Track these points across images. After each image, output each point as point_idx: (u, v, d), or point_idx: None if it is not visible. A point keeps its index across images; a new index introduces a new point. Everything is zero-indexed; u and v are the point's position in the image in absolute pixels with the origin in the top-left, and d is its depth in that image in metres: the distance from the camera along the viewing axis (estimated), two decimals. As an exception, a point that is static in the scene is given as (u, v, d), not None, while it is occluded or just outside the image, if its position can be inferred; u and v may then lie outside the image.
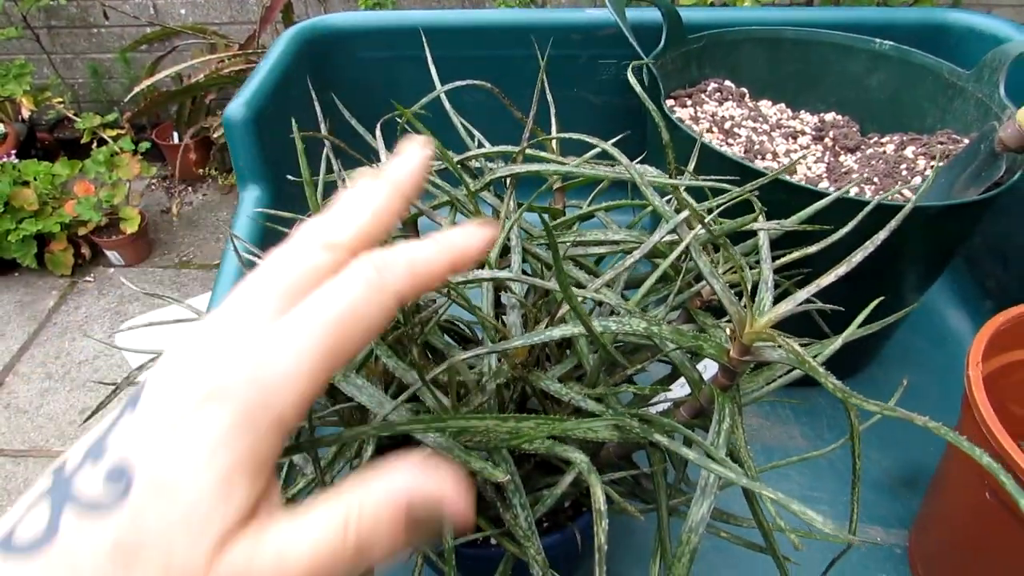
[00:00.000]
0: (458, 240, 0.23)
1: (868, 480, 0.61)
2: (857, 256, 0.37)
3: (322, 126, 0.49)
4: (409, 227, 0.52)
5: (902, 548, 0.56)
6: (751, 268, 0.45)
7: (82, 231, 2.18)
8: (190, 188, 2.64)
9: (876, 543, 0.57)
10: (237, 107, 0.66)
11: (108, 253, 2.29)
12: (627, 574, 0.55)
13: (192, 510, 0.19)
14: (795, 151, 0.73)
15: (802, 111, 0.79)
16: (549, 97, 0.56)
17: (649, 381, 0.46)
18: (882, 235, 0.38)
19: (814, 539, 0.45)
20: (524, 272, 0.43)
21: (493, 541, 0.44)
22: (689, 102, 0.75)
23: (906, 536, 0.57)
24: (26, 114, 2.26)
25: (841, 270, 0.37)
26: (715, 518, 0.46)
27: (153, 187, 2.66)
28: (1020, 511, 0.37)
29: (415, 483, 0.20)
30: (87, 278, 2.28)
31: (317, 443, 0.32)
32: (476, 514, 0.38)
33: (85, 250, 2.25)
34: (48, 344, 2.08)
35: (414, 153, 0.24)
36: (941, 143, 0.67)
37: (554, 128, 0.54)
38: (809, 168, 0.71)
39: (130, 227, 2.20)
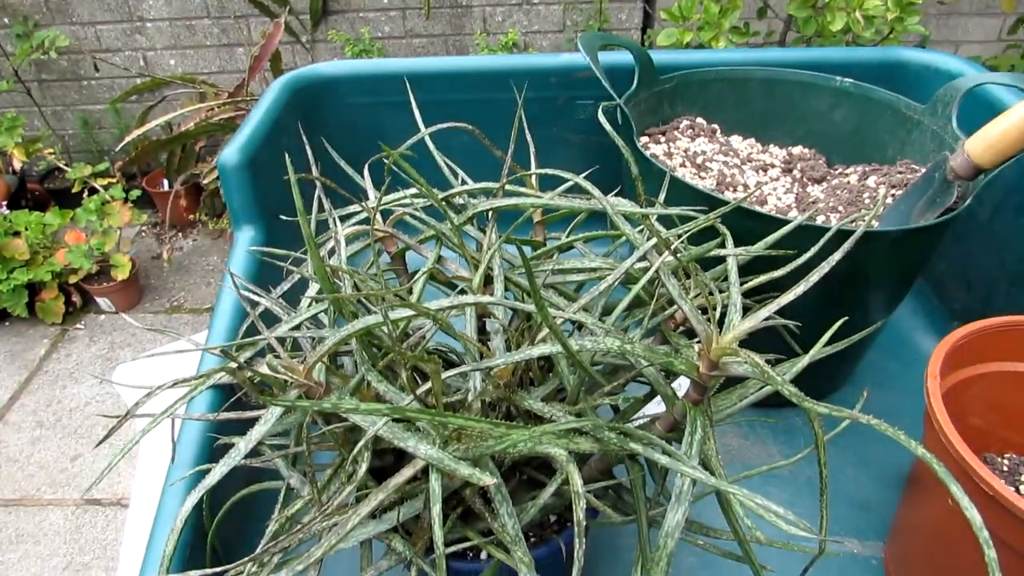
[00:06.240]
0: None
1: (845, 495, 0.63)
2: (813, 276, 0.40)
3: (314, 168, 0.52)
4: (397, 260, 0.55)
5: (878, 560, 0.58)
6: (721, 292, 0.48)
7: (73, 279, 2.20)
8: (180, 234, 2.67)
9: (853, 554, 0.59)
10: (231, 153, 0.69)
11: (99, 300, 2.30)
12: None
13: None
14: (765, 183, 0.77)
15: (771, 145, 0.83)
16: (528, 137, 0.59)
17: (631, 404, 0.48)
18: (836, 256, 0.41)
19: (792, 550, 0.48)
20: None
21: (483, 556, 0.46)
22: (663, 138, 0.79)
23: (881, 548, 0.59)
24: (17, 166, 2.29)
25: (800, 289, 0.40)
26: (696, 531, 0.48)
27: (144, 234, 2.68)
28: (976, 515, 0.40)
29: None
30: (78, 325, 2.29)
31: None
32: (465, 526, 0.41)
33: (76, 298, 2.26)
34: (39, 392, 2.08)
35: None
36: (900, 173, 0.71)
37: (533, 165, 0.57)
38: (779, 199, 0.75)
39: (121, 274, 2.22)
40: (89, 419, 1.99)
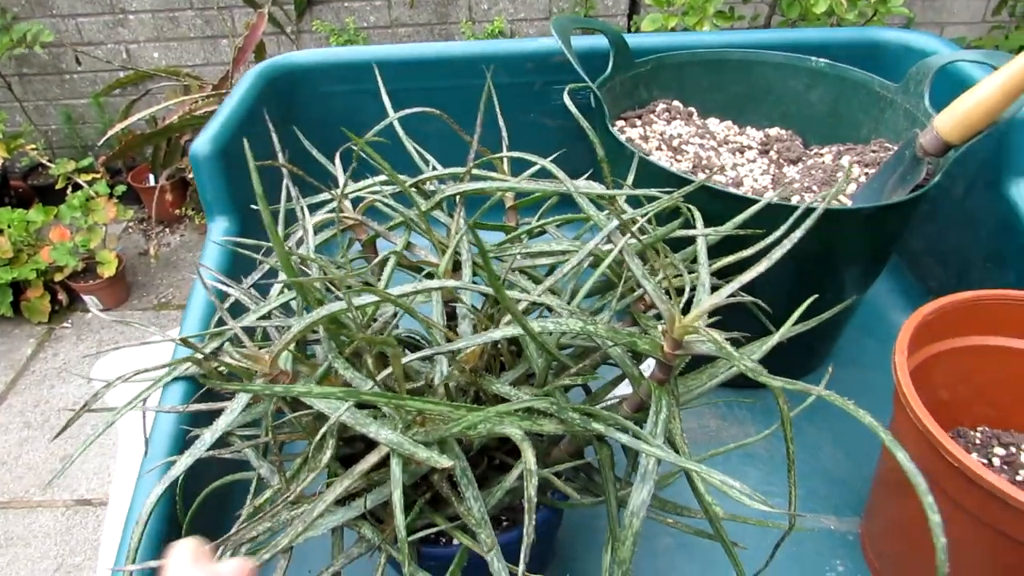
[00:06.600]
0: None
1: (822, 472, 0.64)
2: (776, 253, 0.40)
3: (280, 156, 0.52)
4: (368, 248, 0.55)
5: (854, 535, 0.59)
6: (691, 274, 0.48)
7: (58, 277, 2.18)
8: (167, 229, 2.66)
9: (830, 530, 0.59)
10: (203, 143, 0.69)
11: (85, 298, 2.29)
12: (584, 559, 0.57)
13: None
14: (742, 165, 0.77)
15: (748, 127, 0.83)
16: (501, 121, 0.59)
17: (603, 385, 0.48)
18: (798, 233, 0.41)
19: (768, 527, 0.48)
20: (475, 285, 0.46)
21: (456, 542, 0.46)
22: (639, 122, 0.78)
23: (858, 523, 0.60)
24: (-1, 162, 2.27)
25: (762, 267, 0.40)
26: (670, 511, 0.48)
27: (130, 230, 2.67)
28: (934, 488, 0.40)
29: None
30: (64, 324, 2.27)
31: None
32: (433, 511, 0.41)
33: (62, 296, 2.25)
34: (26, 392, 2.07)
35: None
36: (874, 152, 0.71)
37: (505, 149, 0.57)
38: (756, 180, 0.75)
39: (107, 271, 2.21)
40: (78, 419, 1.98)
